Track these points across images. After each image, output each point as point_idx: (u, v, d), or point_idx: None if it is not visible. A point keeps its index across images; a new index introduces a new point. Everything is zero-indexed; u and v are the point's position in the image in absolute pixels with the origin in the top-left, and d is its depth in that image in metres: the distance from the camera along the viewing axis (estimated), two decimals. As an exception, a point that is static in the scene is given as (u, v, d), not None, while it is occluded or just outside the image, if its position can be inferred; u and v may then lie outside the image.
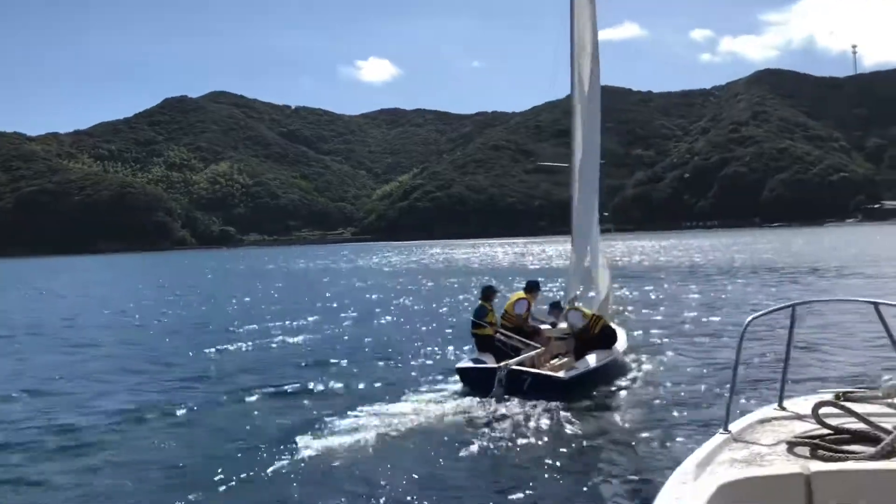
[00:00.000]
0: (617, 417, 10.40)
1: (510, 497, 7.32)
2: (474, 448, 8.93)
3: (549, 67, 14.99)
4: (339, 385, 13.07)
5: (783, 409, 4.48)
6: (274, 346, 19.13)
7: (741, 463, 3.65)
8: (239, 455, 8.93)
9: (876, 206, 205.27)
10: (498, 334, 12.98)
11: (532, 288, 14.16)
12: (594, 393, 11.58)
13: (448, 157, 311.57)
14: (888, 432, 3.60)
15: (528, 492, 7.42)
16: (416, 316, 24.95)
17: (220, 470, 8.25)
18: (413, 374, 13.91)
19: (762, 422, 4.29)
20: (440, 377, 13.22)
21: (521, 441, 9.21)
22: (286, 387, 13.05)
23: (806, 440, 3.72)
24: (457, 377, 12.39)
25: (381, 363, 15.45)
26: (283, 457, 8.72)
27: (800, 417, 4.24)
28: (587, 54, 14.19)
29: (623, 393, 11.85)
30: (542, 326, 13.93)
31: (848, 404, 4.06)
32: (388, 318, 24.92)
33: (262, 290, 43.82)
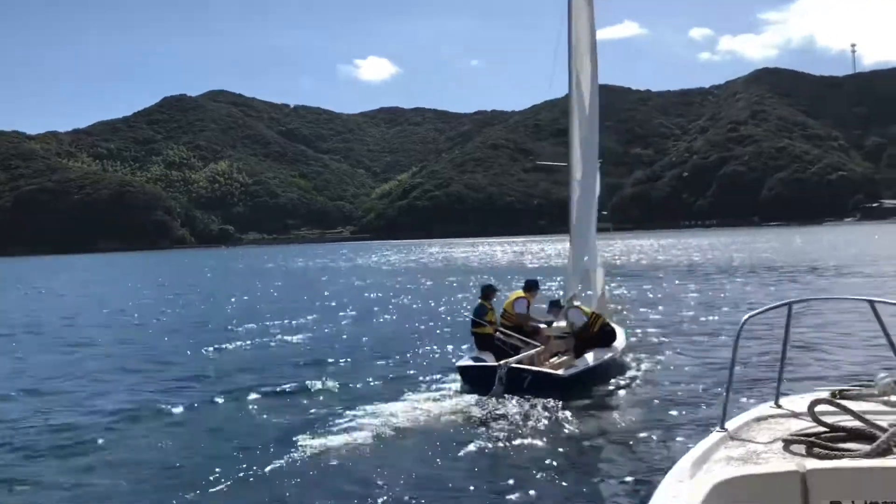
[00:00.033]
0: (616, 416, 10.42)
1: (510, 496, 7.33)
2: (474, 447, 8.93)
3: (548, 66, 15.02)
4: (339, 384, 13.05)
5: (780, 407, 4.50)
6: (273, 345, 19.11)
7: (737, 461, 3.66)
8: (237, 455, 8.91)
9: (874, 204, 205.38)
10: (497, 333, 13.02)
11: (531, 287, 14.19)
12: (593, 391, 11.61)
13: (447, 155, 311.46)
14: (884, 430, 3.61)
15: (527, 490, 7.43)
16: (416, 315, 24.96)
17: (217, 470, 8.22)
18: (413, 372, 13.91)
19: (759, 420, 4.30)
20: (440, 376, 13.22)
21: (520, 439, 9.22)
22: (285, 386, 13.02)
23: (802, 438, 3.73)
24: (457, 375, 12.42)
25: (380, 362, 15.43)
26: (281, 456, 8.69)
27: (796, 415, 4.25)
28: (585, 54, 14.23)
29: (622, 391, 11.87)
30: (541, 325, 13.96)
31: (844, 402, 4.08)
32: (388, 316, 24.94)
33: (261, 288, 43.84)
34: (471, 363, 12.40)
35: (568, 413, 10.30)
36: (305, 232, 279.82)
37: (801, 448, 3.66)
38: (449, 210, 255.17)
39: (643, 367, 13.70)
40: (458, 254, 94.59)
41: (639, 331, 18.03)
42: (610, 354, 12.71)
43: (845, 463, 3.43)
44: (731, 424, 4.19)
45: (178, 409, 11.62)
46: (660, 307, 23.94)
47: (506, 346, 12.78)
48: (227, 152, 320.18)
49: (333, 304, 30.80)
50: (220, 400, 12.22)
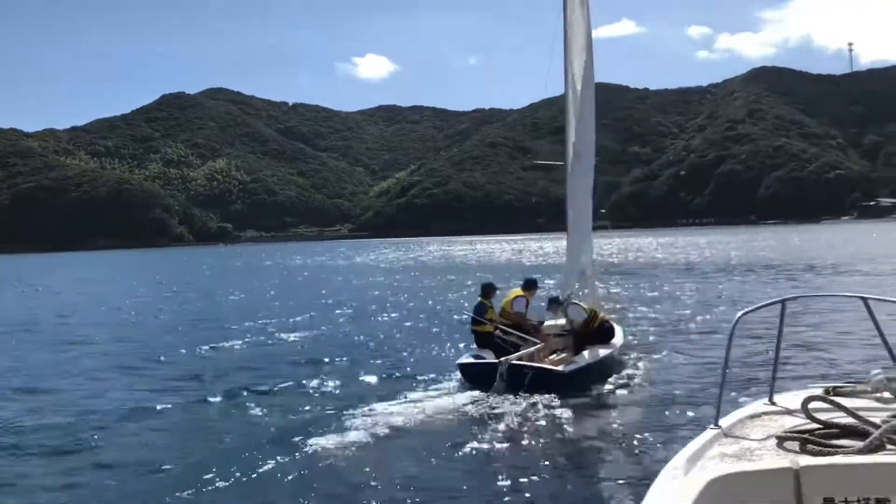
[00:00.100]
0: (613, 414, 10.46)
1: (508, 495, 7.35)
2: (473, 445, 8.94)
3: (546, 65, 15.05)
4: (338, 382, 13.04)
5: (774, 404, 4.51)
6: (270, 343, 19.09)
7: (731, 458, 3.67)
8: (233, 455, 8.84)
9: (872, 203, 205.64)
10: (497, 331, 13.08)
11: (530, 285, 14.26)
12: (592, 389, 11.65)
13: (445, 153, 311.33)
14: (877, 426, 3.62)
15: (526, 489, 7.46)
16: (415, 313, 24.98)
17: (213, 470, 8.15)
18: (412, 370, 13.91)
19: (752, 417, 4.32)
20: (440, 374, 13.23)
21: (519, 438, 9.25)
22: (282, 385, 12.98)
23: (795, 435, 3.74)
24: (457, 373, 12.47)
25: (379, 360, 15.42)
26: (279, 456, 8.63)
27: (790, 412, 4.27)
28: (581, 53, 14.26)
29: (620, 389, 11.90)
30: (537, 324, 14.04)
31: (837, 399, 4.10)
32: (386, 315, 24.94)
33: (259, 287, 43.83)
34: (471, 360, 12.46)
35: (566, 411, 10.33)
36: (304, 230, 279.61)
37: (795, 445, 3.67)
38: (447, 208, 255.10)
39: (641, 364, 13.74)
40: (457, 252, 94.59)
41: (637, 329, 18.08)
42: (609, 351, 12.79)
43: (838, 459, 3.43)
44: (725, 421, 4.20)
45: (174, 409, 11.55)
46: (657, 305, 23.99)
47: (505, 344, 12.86)
48: (226, 150, 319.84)
49: (331, 302, 30.82)
50: (216, 399, 12.16)
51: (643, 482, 7.10)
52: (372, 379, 13.33)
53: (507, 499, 7.26)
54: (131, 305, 33.45)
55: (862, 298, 4.40)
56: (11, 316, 30.49)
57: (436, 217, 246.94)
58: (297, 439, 9.25)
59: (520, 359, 11.89)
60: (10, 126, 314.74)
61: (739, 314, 4.43)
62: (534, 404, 10.60)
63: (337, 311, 26.38)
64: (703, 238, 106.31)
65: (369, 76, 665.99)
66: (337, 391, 12.48)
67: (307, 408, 11.21)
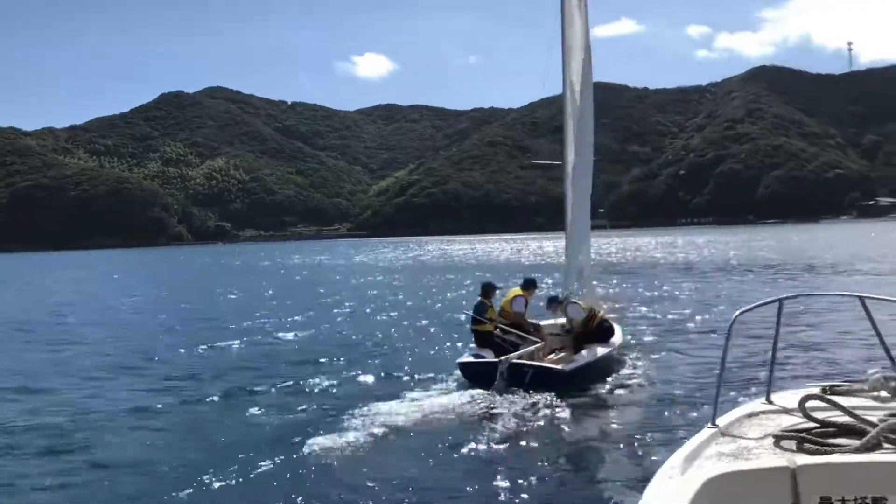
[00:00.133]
0: (613, 413, 10.47)
1: (507, 493, 7.35)
2: (474, 445, 8.93)
3: (545, 64, 15.07)
4: (336, 382, 13.02)
5: (771, 403, 4.53)
6: (268, 343, 19.05)
7: (728, 457, 3.68)
8: (232, 454, 8.80)
9: (870, 202, 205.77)
10: (497, 330, 13.12)
11: (529, 285, 14.29)
12: (592, 388, 11.67)
13: (444, 153, 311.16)
14: (873, 425, 3.63)
15: (525, 488, 7.46)
16: (413, 312, 24.97)
17: (210, 470, 8.09)
18: (412, 369, 13.88)
19: (750, 416, 4.33)
20: (439, 373, 13.23)
21: (519, 437, 9.25)
22: (281, 385, 12.94)
23: (792, 434, 3.74)
24: (456, 373, 12.49)
25: (378, 360, 15.39)
26: (276, 456, 8.58)
27: (787, 411, 4.28)
28: (579, 53, 14.28)
29: (619, 388, 11.91)
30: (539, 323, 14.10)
31: (834, 398, 4.11)
32: (385, 314, 24.94)
33: (258, 286, 43.80)
34: (472, 359, 12.49)
35: (565, 410, 10.34)
36: (302, 229, 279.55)
37: (792, 444, 3.68)
38: (446, 207, 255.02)
39: (640, 363, 13.76)
40: (456, 251, 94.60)
41: (636, 328, 18.08)
42: (608, 350, 12.84)
43: (835, 458, 3.44)
44: (722, 421, 4.21)
45: (171, 409, 11.48)
46: (656, 305, 24.00)
47: (505, 343, 12.89)
48: (225, 149, 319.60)
49: (330, 301, 30.81)
50: (213, 399, 12.09)
51: (642, 481, 7.11)
52: (371, 378, 13.31)
53: (506, 498, 7.25)
54: (128, 304, 33.44)
55: (859, 298, 4.42)
56: (9, 315, 30.41)
57: (434, 216, 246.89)
58: (295, 439, 9.21)
59: (520, 358, 11.91)
60: (9, 125, 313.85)
61: (736, 313, 4.45)
62: (533, 404, 10.61)
63: (335, 311, 26.38)
64: (702, 237, 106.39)
65: (368, 75, 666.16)
66: (336, 391, 12.44)
67: (305, 407, 11.17)
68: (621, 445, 8.86)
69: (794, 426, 3.89)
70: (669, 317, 20.77)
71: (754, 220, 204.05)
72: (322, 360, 15.62)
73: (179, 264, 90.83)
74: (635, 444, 8.80)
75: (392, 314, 24.73)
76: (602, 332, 13.19)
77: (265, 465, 8.31)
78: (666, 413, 10.17)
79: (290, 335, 20.00)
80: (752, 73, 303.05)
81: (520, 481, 7.61)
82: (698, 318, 20.35)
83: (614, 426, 9.78)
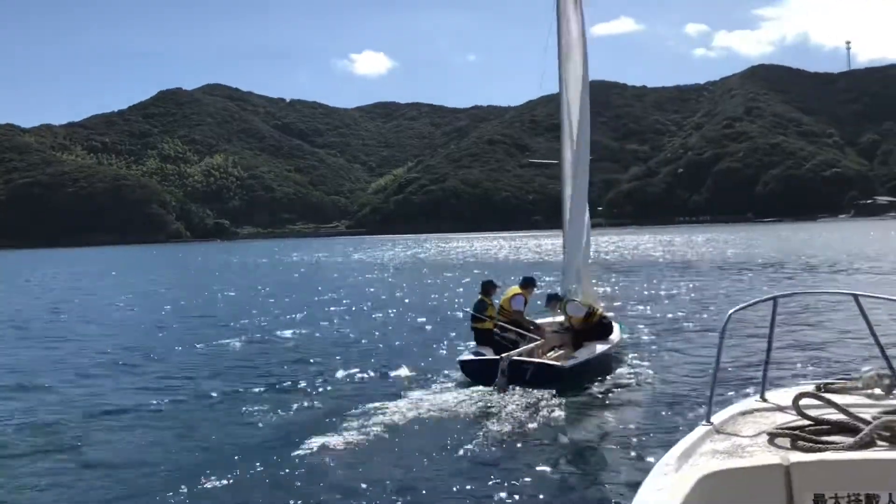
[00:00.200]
0: (612, 412, 10.48)
1: (508, 492, 7.35)
2: (473, 443, 8.92)
3: (542, 62, 15.06)
4: (335, 380, 13.01)
5: (765, 400, 4.55)
6: (266, 341, 18.99)
7: (722, 454, 3.69)
8: (228, 453, 8.75)
9: (868, 201, 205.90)
10: (496, 328, 13.16)
11: (528, 283, 14.33)
12: (590, 386, 11.70)
13: (443, 150, 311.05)
14: (867, 423, 3.65)
15: (525, 487, 7.47)
16: (412, 310, 24.97)
17: (207, 469, 8.03)
18: (410, 368, 13.83)
19: (744, 413, 4.35)
20: (438, 371, 13.24)
21: (519, 436, 9.25)
22: (278, 383, 12.90)
23: (786, 431, 3.75)
24: (455, 372, 12.54)
25: (377, 358, 15.34)
26: (275, 455, 8.53)
27: (781, 409, 4.30)
28: (575, 51, 14.29)
29: (618, 387, 11.93)
30: (538, 321, 14.15)
31: (828, 395, 4.14)
32: (383, 312, 24.91)
33: (256, 284, 43.78)
34: (472, 357, 12.52)
35: (564, 409, 10.35)
36: (301, 226, 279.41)
37: (786, 441, 3.69)
38: (444, 205, 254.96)
39: (638, 361, 13.80)
40: (454, 249, 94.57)
41: (634, 326, 18.11)
42: (607, 347, 12.92)
43: (829, 456, 3.45)
44: (716, 418, 4.23)
45: (166, 407, 11.37)
46: (654, 303, 24.03)
47: (504, 341, 12.94)
48: (223, 146, 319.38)
49: (327, 298, 30.81)
50: (209, 397, 12.02)
51: (637, 479, 7.13)
52: (369, 376, 13.31)
53: (506, 497, 7.25)
54: (125, 301, 33.38)
55: (853, 296, 4.44)
56: (5, 312, 30.33)
57: (433, 214, 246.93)
58: (292, 438, 9.16)
59: (520, 355, 11.97)
60: (7, 122, 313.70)
61: (731, 311, 4.47)
62: (532, 402, 10.62)
63: (333, 308, 26.36)
64: (701, 236, 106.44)
65: (367, 73, 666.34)
66: (334, 389, 12.40)
67: (303, 406, 11.14)
68: (618, 443, 8.88)
69: (788, 424, 3.90)
70: (668, 315, 20.79)
71: (752, 218, 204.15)
72: (320, 358, 15.56)
73: (177, 261, 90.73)
74: (632, 442, 8.82)
75: (390, 312, 24.71)
76: (601, 328, 13.29)
77: (261, 464, 8.24)
78: (663, 411, 10.20)
79: (287, 333, 19.92)
80: (751, 71, 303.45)
81: (518, 479, 7.63)
82: (696, 316, 20.38)
83: (611, 424, 9.80)
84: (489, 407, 10.53)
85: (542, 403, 10.56)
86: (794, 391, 4.32)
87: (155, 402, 11.73)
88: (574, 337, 13.27)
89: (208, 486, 7.66)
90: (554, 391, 11.00)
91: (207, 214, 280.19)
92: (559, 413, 10.17)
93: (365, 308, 26.23)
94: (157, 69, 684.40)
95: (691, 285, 30.17)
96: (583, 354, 12.41)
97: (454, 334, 17.69)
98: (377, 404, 10.74)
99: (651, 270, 41.02)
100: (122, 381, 13.94)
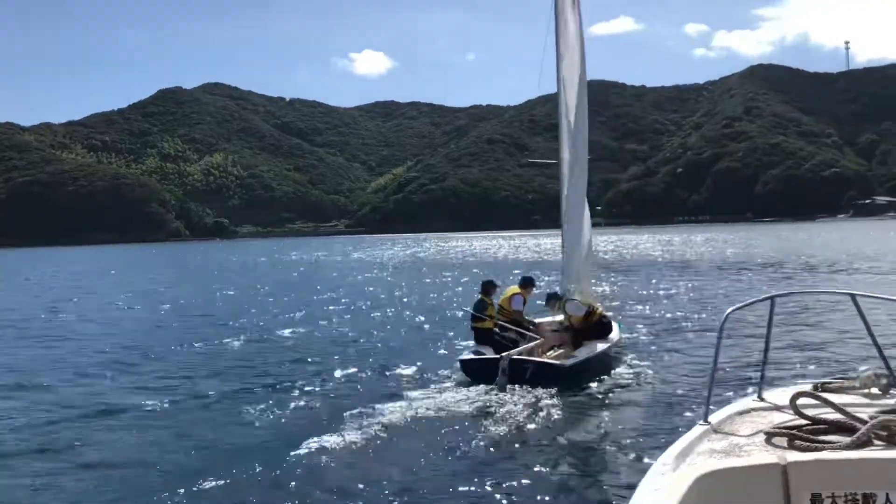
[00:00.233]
0: (610, 411, 10.49)
1: (508, 491, 7.36)
2: (473, 443, 8.93)
3: (541, 62, 15.07)
4: (334, 379, 12.99)
5: (762, 400, 4.56)
6: (265, 340, 18.97)
7: (720, 454, 3.70)
8: (226, 453, 8.74)
9: (867, 201, 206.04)
10: (496, 327, 13.18)
11: (527, 283, 14.35)
12: (589, 385, 11.71)
13: (442, 150, 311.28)
14: (864, 422, 3.65)
15: (525, 487, 7.47)
16: (412, 309, 24.97)
17: (206, 469, 8.00)
18: (410, 367, 13.81)
19: (741, 413, 4.36)
20: (437, 370, 13.23)
21: (516, 434, 9.26)
22: (278, 382, 12.89)
23: (783, 431, 3.76)
24: (455, 371, 12.56)
25: (376, 357, 15.33)
26: (273, 455, 8.52)
27: (778, 408, 4.31)
28: (573, 51, 14.29)
29: (616, 386, 11.94)
30: (536, 320, 14.17)
31: (825, 395, 4.15)
32: (382, 311, 24.90)
33: (255, 283, 43.75)
34: (473, 357, 12.54)
35: (561, 409, 10.35)
36: (300, 225, 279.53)
37: (783, 441, 3.69)
38: (444, 204, 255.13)
39: (637, 361, 13.80)
40: (453, 248, 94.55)
41: (632, 326, 18.12)
42: (607, 346, 12.96)
43: (826, 455, 3.46)
44: (714, 418, 4.24)
45: (165, 406, 11.34)
46: (653, 302, 24.04)
47: (504, 340, 12.96)
48: (223, 145, 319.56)
49: (326, 297, 30.79)
50: (208, 397, 11.98)
51: (635, 478, 7.15)
52: (368, 376, 13.29)
53: (505, 496, 7.26)
54: (124, 300, 33.33)
55: (850, 295, 4.46)
56: (3, 310, 30.28)
57: (432, 213, 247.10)
58: (291, 438, 9.13)
59: (520, 354, 11.99)
60: (6, 120, 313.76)
61: (728, 311, 4.48)
62: (532, 402, 10.62)
63: (332, 308, 26.34)
64: (700, 235, 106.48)
65: (367, 72, 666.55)
66: (333, 388, 12.38)
67: (302, 405, 11.12)
68: (617, 443, 8.88)
69: (786, 423, 3.91)
70: (666, 315, 20.81)
71: (751, 218, 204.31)
72: (319, 357, 15.54)
73: (177, 260, 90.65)
74: (630, 441, 8.83)
75: (389, 311, 24.71)
76: (601, 327, 13.35)
77: (260, 463, 8.23)
78: (661, 411, 10.21)
79: (286, 332, 19.91)
80: (750, 71, 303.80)
81: (517, 479, 7.63)
82: (695, 315, 20.38)
83: (610, 424, 9.81)
84: (488, 406, 10.53)
85: (542, 403, 10.56)
86: (791, 391, 4.32)
87: (154, 401, 11.67)
88: (574, 336, 13.32)
89: (207, 485, 7.64)
90: (554, 390, 11.03)
91: (207, 213, 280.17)
92: (558, 413, 10.17)
93: (364, 307, 26.22)
94: (157, 68, 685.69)
95: (690, 285, 30.18)
96: (582, 353, 12.45)
97: (453, 333, 17.69)
98: (376, 404, 10.72)
99: (650, 270, 41.03)
100: (121, 381, 13.89)
